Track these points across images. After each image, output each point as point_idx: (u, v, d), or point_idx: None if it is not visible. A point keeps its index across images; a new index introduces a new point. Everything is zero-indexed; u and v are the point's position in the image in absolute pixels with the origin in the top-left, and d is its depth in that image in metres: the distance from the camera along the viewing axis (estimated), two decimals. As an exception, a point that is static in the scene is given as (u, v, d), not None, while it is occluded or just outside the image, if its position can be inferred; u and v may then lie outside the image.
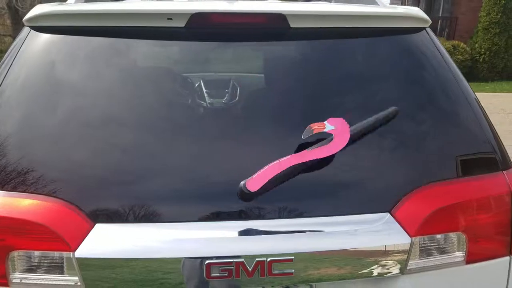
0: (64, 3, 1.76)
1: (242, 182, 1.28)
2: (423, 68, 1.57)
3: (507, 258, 1.44)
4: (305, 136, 1.34)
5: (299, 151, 1.33)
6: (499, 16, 13.63)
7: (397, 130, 1.45)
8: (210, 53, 1.67)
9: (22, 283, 1.28)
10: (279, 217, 1.32)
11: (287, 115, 1.47)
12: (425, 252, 1.37)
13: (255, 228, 1.30)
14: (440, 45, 1.67)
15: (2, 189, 1.30)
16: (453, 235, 1.38)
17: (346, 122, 1.37)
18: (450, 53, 13.55)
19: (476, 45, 14.11)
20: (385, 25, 1.61)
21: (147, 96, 1.48)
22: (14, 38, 1.61)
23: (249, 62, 1.67)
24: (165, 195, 1.32)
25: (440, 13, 17.18)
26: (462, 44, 14.20)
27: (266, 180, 1.27)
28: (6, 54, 1.56)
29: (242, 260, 1.25)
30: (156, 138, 1.39)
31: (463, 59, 13.91)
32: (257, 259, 1.25)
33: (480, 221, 1.40)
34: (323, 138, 1.37)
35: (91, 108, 1.43)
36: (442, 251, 1.38)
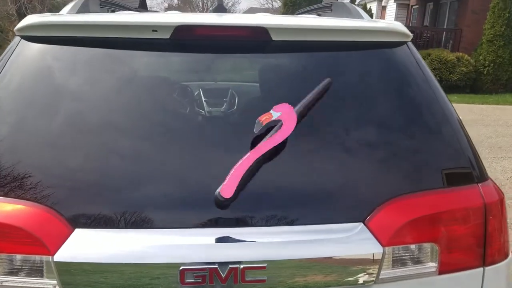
0: (56, 14, 1.82)
1: (217, 190, 1.32)
2: (402, 82, 1.61)
3: (481, 269, 1.46)
4: (256, 129, 1.40)
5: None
6: (503, 29, 13.66)
7: (373, 142, 1.48)
8: (194, 64, 1.71)
9: (2, 285, 1.31)
10: (253, 225, 1.35)
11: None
12: (398, 262, 1.39)
13: (229, 235, 1.33)
14: (421, 60, 1.70)
15: None
16: (425, 246, 1.40)
17: (289, 105, 1.43)
18: (454, 65, 13.67)
19: (480, 57, 14.13)
20: (366, 39, 1.64)
21: (130, 103, 1.53)
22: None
23: (232, 74, 1.71)
24: (143, 202, 1.35)
25: (445, 24, 17.24)
26: (466, 56, 14.23)
27: (236, 183, 1.31)
28: None
29: (216, 266, 1.28)
30: (134, 145, 1.43)
31: (467, 71, 13.94)
32: (230, 266, 1.28)
33: (453, 232, 1.42)
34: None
35: (74, 115, 1.47)
36: (414, 261, 1.41)
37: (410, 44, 1.71)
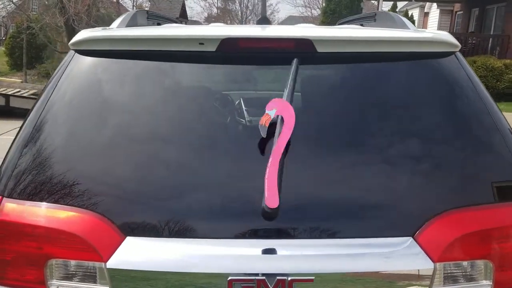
0: (107, 28, 1.89)
1: (263, 203, 1.32)
2: (451, 94, 1.57)
3: None
4: (264, 133, 1.40)
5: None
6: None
7: (423, 154, 1.46)
8: (239, 76, 1.73)
9: None
10: (301, 237, 1.35)
11: (313, 137, 1.50)
12: (449, 279, 1.35)
13: (278, 247, 1.33)
14: (470, 70, 1.65)
15: (41, 201, 1.40)
16: (479, 263, 1.36)
17: (279, 98, 1.43)
18: (502, 72, 13.21)
19: (530, 64, 13.55)
20: (412, 50, 1.62)
21: (183, 114, 1.56)
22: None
23: (276, 85, 1.72)
24: (193, 212, 1.38)
25: (492, 31, 16.70)
26: (514, 63, 13.69)
27: (276, 190, 1.30)
28: (53, 75, 1.68)
29: (264, 278, 1.29)
30: (185, 156, 1.46)
31: (516, 78, 13.40)
32: (278, 277, 1.28)
33: (509, 249, 1.37)
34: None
35: (128, 126, 1.52)
36: (467, 279, 1.36)
37: (459, 55, 1.67)
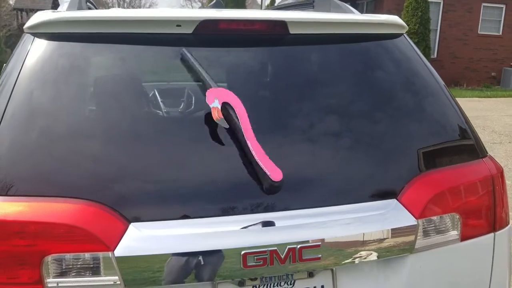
0: (58, 11, 1.75)
1: (268, 179, 1.37)
2: (409, 71, 1.76)
3: (492, 234, 1.64)
4: (225, 124, 1.41)
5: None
6: (417, 27, 14.72)
7: (395, 129, 1.62)
8: (216, 59, 1.74)
9: (59, 286, 1.28)
10: (303, 207, 1.43)
11: (284, 117, 1.58)
12: (429, 232, 1.53)
13: (284, 218, 1.39)
14: (417, 49, 1.87)
15: (28, 194, 1.29)
16: (451, 216, 1.56)
17: (213, 89, 1.44)
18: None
19: (398, 53, 15.06)
20: (373, 31, 1.77)
21: (168, 97, 1.53)
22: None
23: (252, 66, 1.76)
24: (199, 192, 1.38)
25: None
26: (385, 53, 15.10)
27: (274, 164, 1.35)
28: (10, 62, 1.53)
29: (275, 248, 1.34)
30: (181, 137, 1.45)
31: (387, 67, 14.79)
32: (288, 246, 1.35)
33: (470, 202, 1.60)
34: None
35: (108, 110, 1.46)
36: (442, 231, 1.55)
37: (406, 36, 1.87)
